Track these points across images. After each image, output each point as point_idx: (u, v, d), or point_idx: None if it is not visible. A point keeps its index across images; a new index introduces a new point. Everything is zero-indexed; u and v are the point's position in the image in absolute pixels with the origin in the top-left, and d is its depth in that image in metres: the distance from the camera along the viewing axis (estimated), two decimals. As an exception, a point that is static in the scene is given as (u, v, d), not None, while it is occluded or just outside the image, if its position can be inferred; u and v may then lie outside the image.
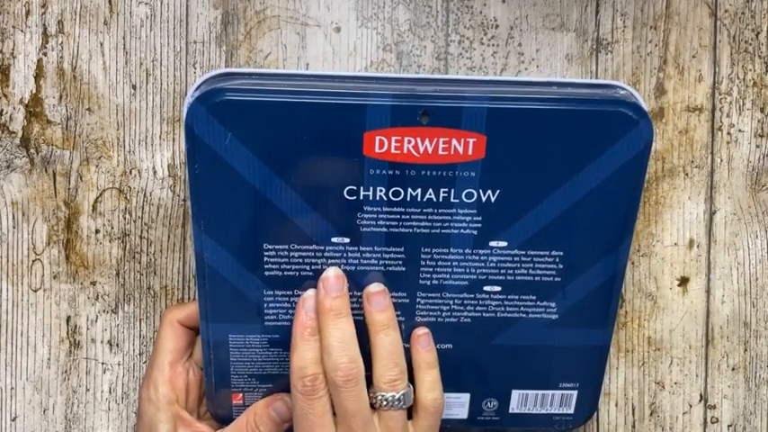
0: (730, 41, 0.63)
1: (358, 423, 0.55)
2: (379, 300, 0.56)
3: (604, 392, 0.66)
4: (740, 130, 0.63)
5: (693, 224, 0.64)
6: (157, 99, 0.62)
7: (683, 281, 0.65)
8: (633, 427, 0.66)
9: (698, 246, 0.64)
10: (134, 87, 0.61)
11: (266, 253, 0.55)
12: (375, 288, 0.56)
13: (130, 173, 0.62)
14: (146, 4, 0.61)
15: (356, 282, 0.57)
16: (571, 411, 0.62)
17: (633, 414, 0.66)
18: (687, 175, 0.64)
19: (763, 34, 0.63)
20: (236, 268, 0.55)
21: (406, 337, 0.58)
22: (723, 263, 0.65)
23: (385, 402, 0.55)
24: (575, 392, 0.61)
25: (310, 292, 0.56)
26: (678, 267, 0.65)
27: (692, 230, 0.64)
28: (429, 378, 0.58)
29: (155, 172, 0.62)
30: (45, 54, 0.61)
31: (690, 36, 0.62)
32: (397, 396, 0.55)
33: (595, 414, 0.65)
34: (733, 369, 0.66)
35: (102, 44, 0.61)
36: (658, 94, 0.63)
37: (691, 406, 0.66)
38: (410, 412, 0.58)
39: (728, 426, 0.67)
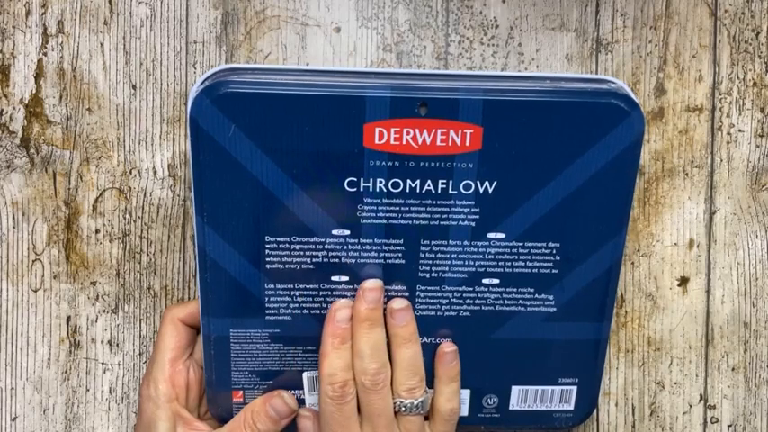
0: (730, 41, 0.63)
1: (383, 422, 0.57)
2: (402, 315, 0.57)
3: (604, 392, 0.65)
4: (740, 130, 0.63)
5: (693, 224, 0.64)
6: (157, 99, 0.62)
7: (683, 281, 0.65)
8: (633, 427, 0.66)
9: (698, 246, 0.64)
10: (134, 87, 0.62)
11: (267, 245, 0.55)
12: (399, 304, 0.57)
13: (130, 173, 0.62)
14: (146, 4, 0.61)
15: (356, 274, 0.57)
16: (571, 408, 0.62)
17: (633, 414, 0.66)
18: (687, 175, 0.64)
19: (763, 34, 0.63)
20: (237, 261, 0.56)
21: None
22: (723, 263, 0.65)
23: (404, 408, 0.57)
24: (574, 388, 0.61)
25: (342, 302, 0.57)
26: (678, 267, 0.65)
27: (691, 230, 0.64)
28: (449, 390, 0.60)
29: (155, 172, 0.62)
30: (45, 54, 0.61)
31: (690, 36, 0.62)
32: (415, 403, 0.57)
33: (595, 414, 0.65)
34: (733, 369, 0.66)
35: (102, 44, 0.61)
36: (658, 94, 0.63)
37: (691, 406, 0.66)
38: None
39: (728, 426, 0.66)
